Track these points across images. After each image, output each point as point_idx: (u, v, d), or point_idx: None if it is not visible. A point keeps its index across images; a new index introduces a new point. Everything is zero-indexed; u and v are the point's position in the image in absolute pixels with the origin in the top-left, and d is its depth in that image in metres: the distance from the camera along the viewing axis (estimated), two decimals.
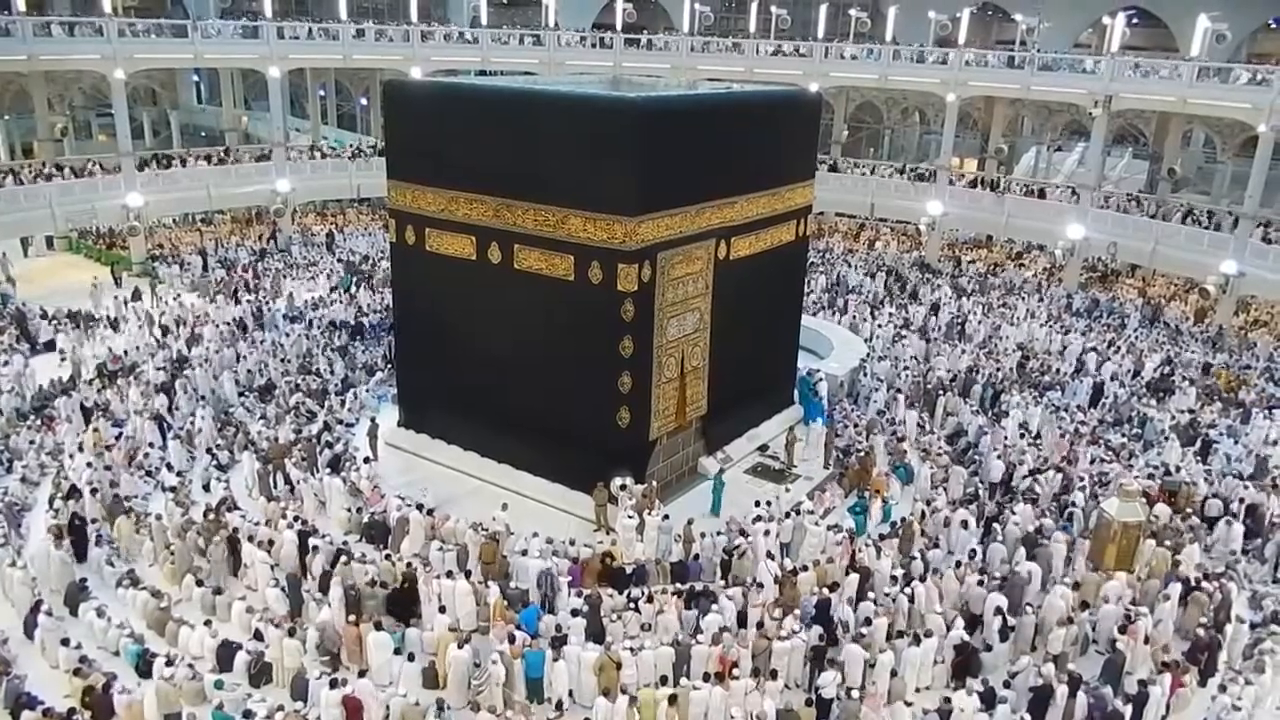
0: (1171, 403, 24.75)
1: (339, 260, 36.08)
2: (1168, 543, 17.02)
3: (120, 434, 20.46)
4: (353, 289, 31.41)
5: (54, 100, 41.13)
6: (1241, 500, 19.09)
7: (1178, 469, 20.52)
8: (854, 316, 30.64)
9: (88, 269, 34.55)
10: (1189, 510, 18.55)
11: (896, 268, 37.39)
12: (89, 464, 18.65)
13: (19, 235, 34.80)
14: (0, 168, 34.87)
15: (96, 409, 21.52)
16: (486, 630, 14.01)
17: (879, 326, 29.62)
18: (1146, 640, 14.67)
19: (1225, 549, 17.83)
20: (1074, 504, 18.67)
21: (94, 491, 17.69)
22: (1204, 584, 15.75)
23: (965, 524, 17.68)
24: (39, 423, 21.15)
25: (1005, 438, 21.95)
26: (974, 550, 16.96)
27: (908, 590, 15.29)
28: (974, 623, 15.10)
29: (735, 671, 13.52)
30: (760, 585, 15.49)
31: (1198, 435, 22.55)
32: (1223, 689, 13.65)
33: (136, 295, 29.88)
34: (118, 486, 18.11)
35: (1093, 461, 20.72)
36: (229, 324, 27.38)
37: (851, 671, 13.68)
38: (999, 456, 20.71)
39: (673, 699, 12.83)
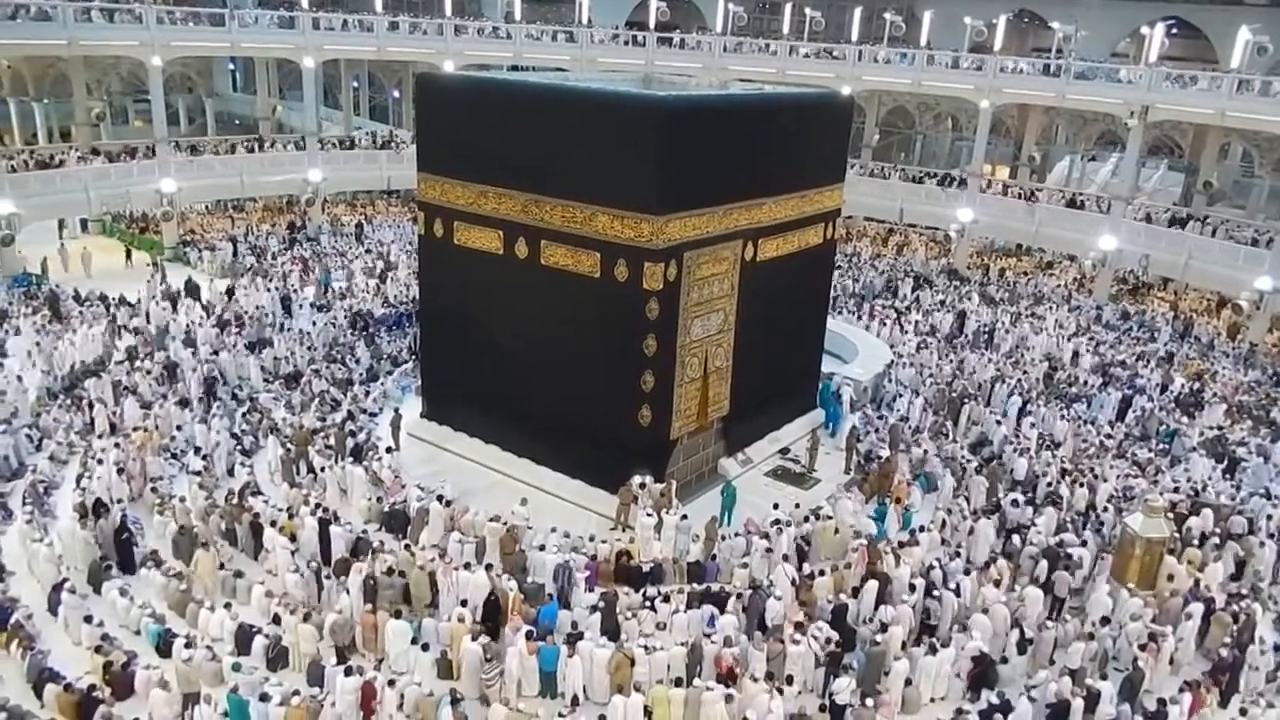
0: (1200, 418, 24.42)
1: (367, 251, 36.33)
2: (1195, 548, 16.95)
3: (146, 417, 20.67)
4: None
5: (92, 85, 41.84)
6: (1269, 518, 18.79)
7: (1204, 486, 20.23)
8: (863, 320, 30.55)
9: (120, 253, 35.10)
10: (1215, 530, 18.28)
11: (925, 273, 37.16)
12: (117, 445, 18.87)
13: (55, 217, 35.34)
14: (38, 151, 35.50)
15: (126, 391, 21.76)
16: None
17: (887, 329, 29.49)
18: (1171, 661, 14.50)
19: (1254, 569, 17.54)
20: (1104, 511, 18.50)
21: (120, 471, 17.94)
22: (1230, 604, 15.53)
23: (987, 534, 17.53)
24: (69, 402, 21.44)
25: (1022, 435, 22.01)
26: (994, 555, 16.87)
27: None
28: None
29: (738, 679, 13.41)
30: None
31: (1225, 452, 22.22)
32: (1243, 713, 13.44)
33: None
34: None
35: (1119, 476, 20.47)
36: (256, 312, 27.63)
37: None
38: (1016, 451, 20.66)
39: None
